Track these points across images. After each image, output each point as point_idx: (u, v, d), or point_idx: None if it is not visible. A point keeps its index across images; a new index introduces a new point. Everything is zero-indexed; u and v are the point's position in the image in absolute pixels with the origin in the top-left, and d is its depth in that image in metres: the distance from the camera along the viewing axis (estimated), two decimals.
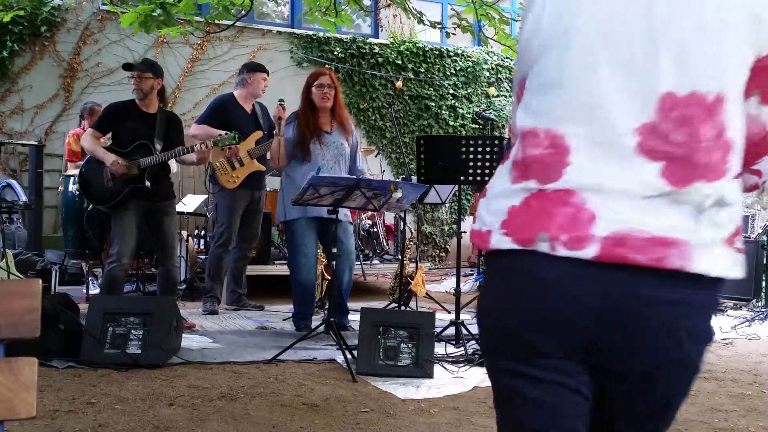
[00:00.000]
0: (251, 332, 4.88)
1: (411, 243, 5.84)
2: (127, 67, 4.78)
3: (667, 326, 1.19)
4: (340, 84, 5.05)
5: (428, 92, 9.76)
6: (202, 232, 6.93)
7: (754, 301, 6.42)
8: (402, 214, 6.49)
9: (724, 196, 1.14)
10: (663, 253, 1.13)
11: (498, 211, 1.25)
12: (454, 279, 5.34)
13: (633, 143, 1.15)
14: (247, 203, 5.57)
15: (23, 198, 6.98)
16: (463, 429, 3.07)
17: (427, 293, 5.87)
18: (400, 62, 9.57)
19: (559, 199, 1.18)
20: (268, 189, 6.93)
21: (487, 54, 10.08)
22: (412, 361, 3.87)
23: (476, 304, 1.36)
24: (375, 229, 7.16)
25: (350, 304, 5.10)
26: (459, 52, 9.96)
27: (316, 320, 4.82)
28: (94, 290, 5.91)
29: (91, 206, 5.17)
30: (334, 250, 4.49)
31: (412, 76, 9.67)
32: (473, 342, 4.45)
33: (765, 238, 6.49)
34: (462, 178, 4.43)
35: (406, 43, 9.66)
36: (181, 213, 7.07)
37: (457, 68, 9.94)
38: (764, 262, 6.41)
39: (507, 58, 9.92)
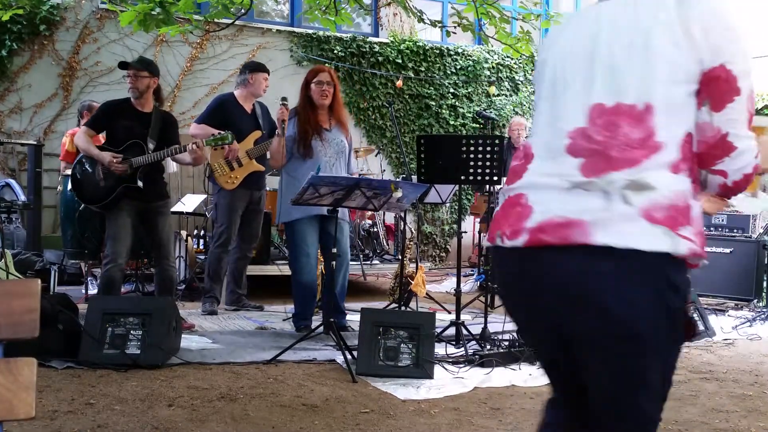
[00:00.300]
0: (251, 333, 4.87)
1: (411, 243, 5.83)
2: (123, 65, 4.74)
3: (585, 294, 1.41)
4: (339, 82, 5.03)
5: (428, 91, 9.75)
6: (202, 232, 6.92)
7: (755, 301, 6.41)
8: (402, 214, 6.48)
9: (640, 181, 1.38)
10: (569, 232, 1.40)
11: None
12: (454, 279, 5.33)
13: (564, 144, 1.46)
14: (246, 203, 5.56)
15: (22, 198, 6.96)
16: (464, 430, 3.06)
17: (427, 293, 5.86)
18: (400, 61, 9.56)
19: (514, 200, 1.51)
20: (268, 189, 6.94)
21: (488, 53, 10.07)
22: (412, 361, 3.86)
23: None
24: (375, 229, 7.15)
25: (350, 305, 5.09)
26: (459, 50, 9.96)
27: (316, 320, 4.81)
28: (93, 290, 5.89)
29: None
30: (334, 250, 4.48)
31: (413, 75, 9.67)
32: (473, 342, 4.44)
33: (766, 238, 6.49)
34: (462, 177, 4.42)
35: (407, 42, 9.65)
36: (181, 213, 7.06)
37: (458, 67, 9.94)
38: (765, 262, 6.40)
39: (507, 57, 9.91)
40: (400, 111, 9.61)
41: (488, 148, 4.36)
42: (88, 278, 5.98)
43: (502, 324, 4.66)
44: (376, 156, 8.23)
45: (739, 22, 1.39)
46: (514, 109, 10.09)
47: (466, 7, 5.34)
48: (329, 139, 4.77)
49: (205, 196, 6.73)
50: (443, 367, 3.96)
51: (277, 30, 9.16)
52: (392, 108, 6.56)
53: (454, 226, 9.67)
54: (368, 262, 6.72)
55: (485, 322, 4.51)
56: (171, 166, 7.32)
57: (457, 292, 4.63)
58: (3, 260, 5.12)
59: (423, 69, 9.74)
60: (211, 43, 8.79)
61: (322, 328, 4.27)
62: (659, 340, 1.44)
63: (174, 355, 3.97)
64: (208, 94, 8.48)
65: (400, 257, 5.71)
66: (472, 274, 7.88)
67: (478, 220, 8.05)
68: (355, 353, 3.95)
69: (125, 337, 3.82)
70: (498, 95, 10.08)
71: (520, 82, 10.28)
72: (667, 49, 1.39)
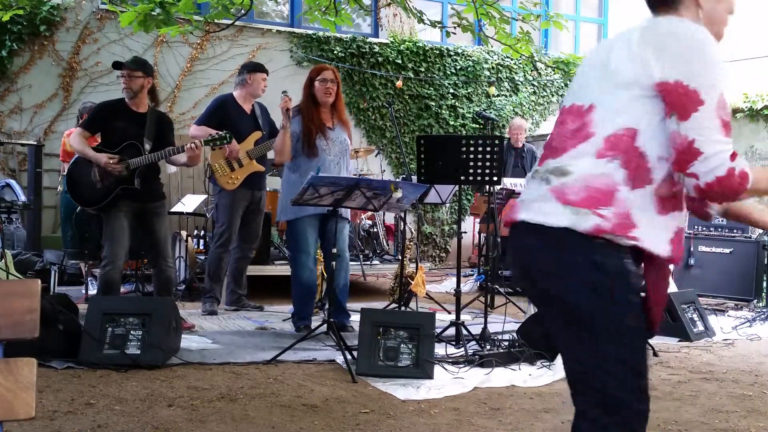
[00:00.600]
0: (251, 333, 4.87)
1: (411, 243, 5.83)
2: (116, 65, 4.71)
3: (525, 264, 1.72)
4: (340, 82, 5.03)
5: (428, 92, 9.75)
6: (202, 233, 6.92)
7: (755, 301, 6.41)
8: (402, 214, 6.48)
9: (564, 166, 1.64)
10: (512, 213, 1.74)
11: None
12: (454, 279, 5.33)
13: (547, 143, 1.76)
14: (247, 204, 5.56)
15: (22, 198, 6.96)
16: (463, 430, 3.06)
17: (427, 294, 5.86)
18: (400, 61, 9.56)
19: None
20: (268, 189, 6.94)
21: (488, 53, 10.07)
22: (412, 361, 3.86)
23: None
24: (375, 229, 7.15)
25: (350, 305, 5.09)
26: (459, 51, 9.95)
27: (316, 320, 4.81)
28: (93, 291, 5.89)
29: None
30: (334, 250, 4.49)
31: (412, 76, 9.67)
32: (473, 343, 4.44)
33: (766, 238, 6.49)
34: (462, 178, 4.42)
35: (406, 43, 9.65)
36: (181, 213, 7.06)
37: (458, 67, 9.93)
38: (765, 262, 6.40)
39: (507, 57, 9.91)
40: (400, 111, 9.61)
41: (488, 149, 4.36)
42: (88, 278, 5.98)
43: (502, 324, 4.66)
44: (376, 156, 8.23)
45: (701, 43, 1.57)
46: (513, 110, 10.09)
47: (466, 8, 5.34)
48: (333, 138, 4.77)
49: (205, 196, 6.73)
50: (443, 367, 3.96)
51: (277, 30, 9.16)
52: (392, 108, 6.56)
53: (454, 226, 9.67)
54: (368, 263, 6.72)
55: (485, 323, 4.51)
56: (171, 166, 7.33)
57: (457, 293, 4.63)
58: (3, 260, 5.12)
59: (423, 69, 9.74)
60: (211, 44, 8.79)
61: (322, 328, 4.27)
62: (591, 315, 1.61)
63: (174, 355, 3.97)
64: (208, 94, 8.48)
65: (400, 257, 5.71)
66: (472, 275, 7.88)
67: (477, 220, 8.05)
68: (355, 353, 3.95)
69: (125, 338, 3.82)
70: (498, 96, 10.08)
71: (519, 83, 10.28)
72: (620, 62, 1.62)
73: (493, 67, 10.13)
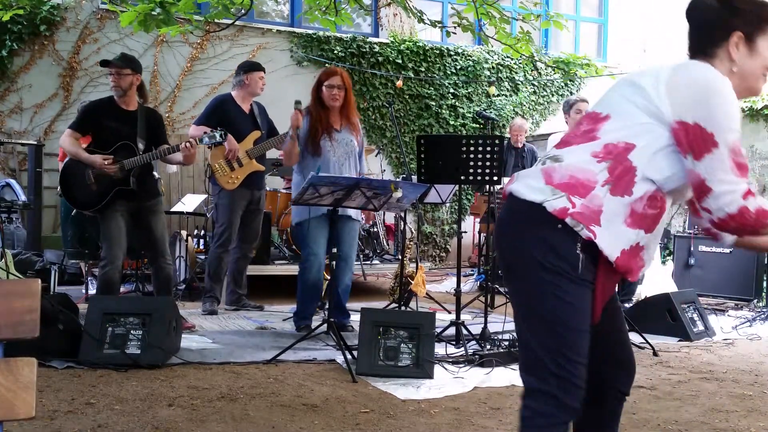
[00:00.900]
0: (251, 332, 4.87)
1: (411, 243, 5.83)
2: (104, 63, 4.68)
3: (497, 234, 1.93)
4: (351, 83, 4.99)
5: (428, 91, 9.75)
6: (202, 232, 6.92)
7: (755, 301, 6.41)
8: (402, 214, 6.48)
9: (560, 155, 1.82)
10: (507, 184, 1.92)
11: None
12: (454, 279, 5.33)
13: None
14: (246, 203, 5.56)
15: (22, 198, 6.97)
16: (464, 430, 3.06)
17: (427, 293, 5.86)
18: (400, 61, 9.56)
19: None
20: (268, 189, 6.93)
21: (488, 53, 10.07)
22: (412, 361, 3.86)
23: None
24: (375, 229, 7.15)
25: (350, 304, 5.09)
26: (459, 51, 9.96)
27: (316, 320, 4.82)
28: (94, 290, 5.89)
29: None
30: (334, 250, 4.49)
31: (413, 75, 9.67)
32: (473, 342, 4.44)
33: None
34: (462, 177, 4.42)
35: (407, 42, 9.65)
36: (181, 213, 7.06)
37: (458, 67, 9.93)
38: (765, 262, 6.40)
39: (507, 57, 9.91)
40: (400, 111, 9.61)
41: (488, 148, 4.36)
42: (89, 278, 5.99)
43: (502, 324, 4.66)
44: (376, 156, 8.22)
45: (722, 92, 1.70)
46: (513, 109, 10.09)
47: (466, 8, 5.34)
48: (339, 140, 4.77)
49: (205, 196, 6.73)
50: (443, 367, 3.96)
51: (277, 30, 9.16)
52: (392, 108, 6.56)
53: (454, 226, 9.67)
54: (368, 262, 6.72)
55: (485, 322, 4.51)
56: (170, 166, 7.33)
57: (457, 292, 4.63)
58: (3, 260, 5.12)
59: (423, 69, 9.74)
60: (212, 44, 8.79)
61: (322, 327, 4.27)
62: (534, 290, 1.78)
63: (174, 355, 3.97)
64: (208, 94, 8.48)
65: (400, 257, 5.71)
66: (472, 274, 7.88)
67: (478, 220, 8.05)
68: (355, 353, 3.95)
69: (125, 337, 3.82)
70: (498, 95, 10.08)
71: (520, 83, 10.28)
72: (645, 88, 1.77)
73: (493, 67, 10.13)
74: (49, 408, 3.07)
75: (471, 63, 9.97)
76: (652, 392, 3.71)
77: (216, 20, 5.64)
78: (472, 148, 4.36)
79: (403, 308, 5.19)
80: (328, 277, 5.02)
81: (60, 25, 8.21)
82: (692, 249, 6.76)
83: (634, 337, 4.61)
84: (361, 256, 6.62)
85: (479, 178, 4.42)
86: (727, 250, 6.59)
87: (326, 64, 9.04)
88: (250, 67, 5.64)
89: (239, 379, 3.67)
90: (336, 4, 5.44)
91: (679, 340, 4.98)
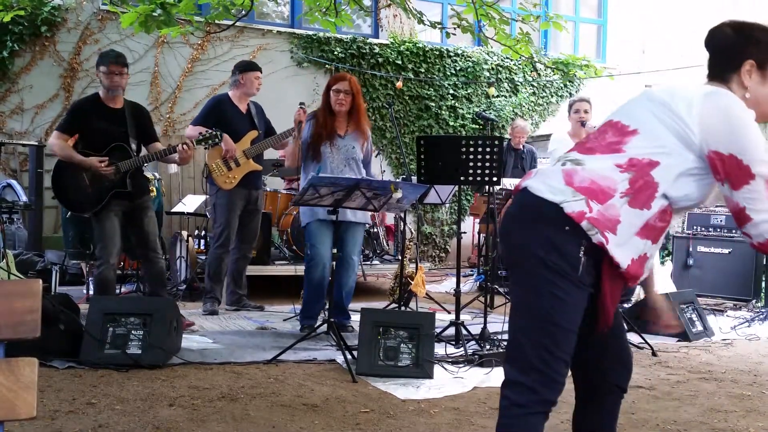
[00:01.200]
0: (251, 333, 4.88)
1: (411, 243, 5.83)
2: (121, 62, 4.72)
3: (504, 230, 1.97)
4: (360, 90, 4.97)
5: (428, 92, 9.75)
6: (203, 233, 6.93)
7: (754, 301, 6.41)
8: (402, 215, 6.49)
9: (582, 159, 1.87)
10: (522, 179, 1.96)
11: None
12: (454, 279, 5.34)
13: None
14: (244, 203, 5.56)
15: (23, 198, 6.98)
16: (463, 429, 3.07)
17: (427, 294, 5.87)
18: (400, 62, 9.57)
19: None
20: (268, 189, 6.94)
21: (487, 54, 10.08)
22: (412, 361, 3.87)
23: None
24: (375, 230, 7.16)
25: (350, 305, 5.09)
26: (459, 52, 9.96)
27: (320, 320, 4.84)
28: None
29: None
30: (334, 250, 4.50)
31: (412, 76, 9.67)
32: (473, 342, 4.45)
33: None
34: (462, 178, 4.43)
35: (407, 43, 9.65)
36: (181, 213, 7.07)
37: (457, 68, 9.94)
38: (764, 262, 6.41)
39: (507, 58, 9.91)
40: (400, 112, 9.62)
41: (488, 149, 4.37)
42: (89, 278, 5.99)
43: (501, 324, 4.67)
44: (376, 157, 8.20)
45: (751, 123, 1.79)
46: (513, 110, 10.09)
47: (466, 9, 5.34)
48: (339, 146, 4.78)
49: (206, 196, 6.74)
50: (443, 367, 3.97)
51: (277, 31, 9.17)
52: (392, 109, 6.57)
53: (454, 226, 9.68)
54: (368, 263, 6.73)
55: (485, 323, 4.52)
56: (171, 167, 7.33)
57: (457, 293, 4.64)
58: (4, 260, 5.13)
59: (423, 70, 9.75)
60: (212, 45, 8.80)
61: (322, 327, 4.28)
62: (533, 286, 1.81)
63: (175, 355, 3.98)
64: (208, 95, 8.48)
65: (400, 257, 5.72)
66: (472, 275, 7.88)
67: (477, 220, 8.06)
68: (355, 353, 3.96)
69: (126, 337, 3.83)
70: (497, 96, 10.09)
71: (519, 84, 10.29)
72: (678, 113, 1.81)
73: (492, 68, 10.13)
74: (50, 408, 3.08)
75: (470, 64, 9.98)
76: (651, 392, 3.72)
77: (216, 21, 5.65)
78: (471, 149, 4.37)
79: (403, 308, 5.20)
80: (330, 278, 5.03)
81: (61, 26, 8.22)
82: (691, 249, 6.77)
83: (633, 338, 4.62)
84: (362, 256, 6.63)
85: (479, 178, 4.42)
86: (726, 251, 6.60)
87: (326, 65, 9.06)
88: (245, 67, 5.64)
89: (240, 379, 3.68)
90: (336, 5, 5.44)
91: (678, 340, 4.99)
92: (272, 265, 6.42)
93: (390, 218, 7.87)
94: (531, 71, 10.28)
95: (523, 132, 7.98)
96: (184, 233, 6.82)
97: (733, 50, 1.91)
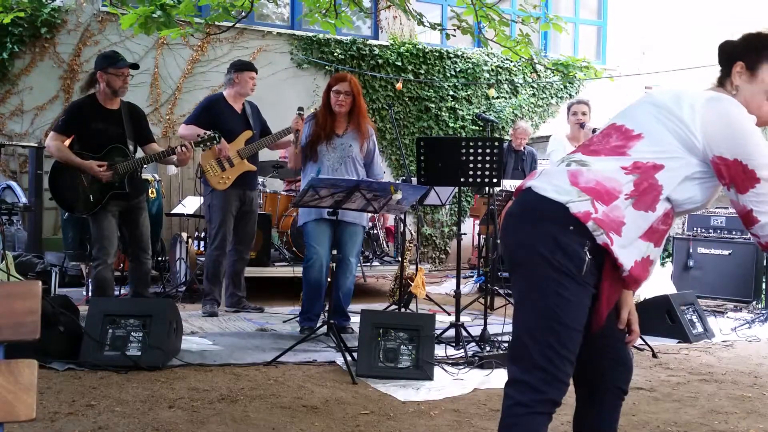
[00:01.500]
0: (251, 334, 4.88)
1: (411, 245, 5.83)
2: (134, 66, 4.82)
3: (505, 228, 1.97)
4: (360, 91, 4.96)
5: (428, 94, 9.76)
6: (202, 234, 6.92)
7: (755, 303, 6.41)
8: (402, 216, 6.49)
9: (587, 160, 1.88)
10: (525, 180, 1.97)
11: None
12: (454, 281, 5.34)
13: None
14: (239, 204, 5.54)
15: (23, 200, 6.97)
16: (463, 431, 3.07)
17: (427, 295, 5.87)
18: (400, 64, 9.57)
19: None
20: (268, 191, 6.94)
21: (487, 55, 10.09)
22: (412, 363, 3.86)
23: None
24: (375, 231, 7.16)
25: (350, 306, 5.09)
26: (459, 53, 9.97)
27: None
28: None
29: None
30: (334, 252, 4.50)
31: (412, 78, 9.68)
32: (473, 344, 4.45)
33: None
34: (462, 179, 4.43)
35: (406, 45, 9.66)
36: (181, 215, 7.07)
37: (457, 70, 9.95)
38: (764, 263, 6.41)
39: (507, 59, 9.92)
40: (400, 113, 9.62)
41: (487, 150, 4.37)
42: (89, 280, 5.99)
43: (501, 326, 4.67)
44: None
45: (753, 128, 1.82)
46: (513, 112, 10.10)
47: (466, 10, 5.34)
48: (336, 145, 4.78)
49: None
50: (443, 368, 3.97)
51: (277, 33, 9.17)
52: (392, 110, 6.56)
53: (454, 228, 9.68)
54: (368, 264, 6.73)
55: (485, 324, 4.52)
56: (170, 168, 7.33)
57: (457, 294, 4.63)
58: (4, 262, 5.13)
59: (423, 71, 9.75)
60: (212, 46, 8.80)
61: (322, 329, 4.28)
62: (537, 284, 1.82)
63: (174, 357, 3.98)
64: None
65: (399, 259, 5.72)
66: (472, 276, 7.88)
67: (477, 222, 8.06)
68: (355, 355, 3.96)
69: (126, 339, 3.83)
70: (497, 98, 10.09)
71: (519, 85, 10.29)
72: (683, 118, 1.83)
73: (492, 69, 10.14)
74: (50, 410, 3.08)
75: (470, 65, 9.99)
76: (652, 394, 3.72)
77: (216, 23, 5.64)
78: (471, 150, 4.37)
79: (402, 310, 5.20)
80: (329, 280, 5.03)
81: (61, 27, 8.22)
82: (691, 251, 6.77)
83: None
84: (361, 257, 6.62)
85: (479, 180, 4.42)
86: (726, 252, 6.60)
87: (326, 67, 9.06)
88: (240, 67, 5.63)
89: (239, 381, 3.68)
90: (336, 6, 5.44)
91: (678, 342, 4.99)
92: (272, 266, 6.42)
93: (390, 220, 7.86)
94: (531, 73, 10.29)
95: (524, 133, 8.00)
96: (184, 235, 6.82)
97: (730, 55, 1.95)
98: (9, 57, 7.93)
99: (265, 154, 7.07)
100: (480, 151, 4.37)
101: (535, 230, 1.84)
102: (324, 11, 5.51)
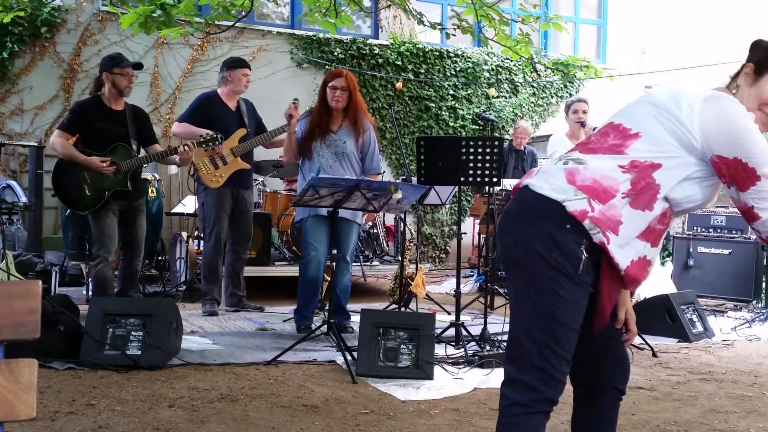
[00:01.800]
0: (251, 333, 4.88)
1: (411, 244, 5.83)
2: (138, 67, 4.85)
3: (502, 227, 1.97)
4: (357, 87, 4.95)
5: (428, 93, 9.76)
6: (202, 234, 6.92)
7: (755, 302, 6.41)
8: (402, 215, 6.49)
9: (584, 159, 1.88)
10: (523, 178, 1.97)
11: None
12: (454, 280, 5.34)
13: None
14: (233, 202, 5.52)
15: (23, 199, 6.98)
16: (463, 430, 3.07)
17: (427, 294, 5.87)
18: (400, 63, 9.57)
19: None
20: (268, 190, 6.93)
21: (487, 55, 10.09)
22: (412, 362, 3.86)
23: None
24: (375, 230, 7.16)
25: (350, 305, 5.09)
26: (459, 53, 9.97)
27: (316, 321, 4.83)
28: None
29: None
30: (334, 251, 4.50)
31: (412, 77, 9.68)
32: (473, 343, 4.45)
33: None
34: (462, 179, 4.43)
35: (406, 44, 9.66)
36: (181, 214, 7.06)
37: (457, 69, 9.94)
38: (764, 263, 6.41)
39: (507, 59, 9.92)
40: (400, 113, 9.62)
41: (488, 150, 4.37)
42: (89, 279, 5.99)
43: (501, 325, 4.67)
44: None
45: (752, 126, 1.82)
46: (513, 111, 10.10)
47: (466, 10, 5.34)
48: (329, 142, 4.77)
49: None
50: (443, 368, 3.97)
51: (277, 32, 9.17)
52: (392, 110, 6.57)
53: (454, 227, 9.68)
54: (368, 263, 6.73)
55: (485, 323, 4.52)
56: (171, 167, 7.33)
57: (457, 293, 4.63)
58: (4, 261, 5.13)
59: (423, 71, 9.75)
60: (212, 45, 8.80)
61: (322, 328, 4.28)
62: (535, 283, 1.81)
63: (174, 356, 3.98)
64: None
65: (400, 258, 5.72)
66: (472, 275, 7.89)
67: (477, 221, 8.06)
68: (355, 354, 3.96)
69: (126, 338, 3.83)
70: (497, 97, 10.09)
71: (519, 84, 10.29)
72: (681, 118, 1.83)
73: (492, 69, 10.14)
74: (50, 409, 3.08)
75: (470, 65, 9.98)
76: (652, 393, 3.72)
77: (216, 22, 5.65)
78: (471, 150, 4.37)
79: (402, 309, 5.20)
80: (329, 279, 5.03)
81: (61, 26, 8.22)
82: (691, 250, 6.77)
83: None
84: (361, 257, 6.62)
85: (479, 179, 4.42)
86: (726, 251, 6.60)
87: (326, 66, 9.06)
88: (233, 64, 5.60)
89: (240, 380, 3.68)
90: (336, 6, 5.45)
91: (679, 341, 4.99)
92: (272, 266, 6.42)
93: (390, 219, 7.87)
94: (531, 72, 10.28)
95: (525, 133, 8.00)
96: (184, 234, 6.82)
97: (753, 53, 1.95)
98: (9, 56, 7.93)
99: (265, 154, 7.08)
100: (480, 150, 4.37)
101: (532, 228, 1.83)
102: (324, 10, 5.52)
